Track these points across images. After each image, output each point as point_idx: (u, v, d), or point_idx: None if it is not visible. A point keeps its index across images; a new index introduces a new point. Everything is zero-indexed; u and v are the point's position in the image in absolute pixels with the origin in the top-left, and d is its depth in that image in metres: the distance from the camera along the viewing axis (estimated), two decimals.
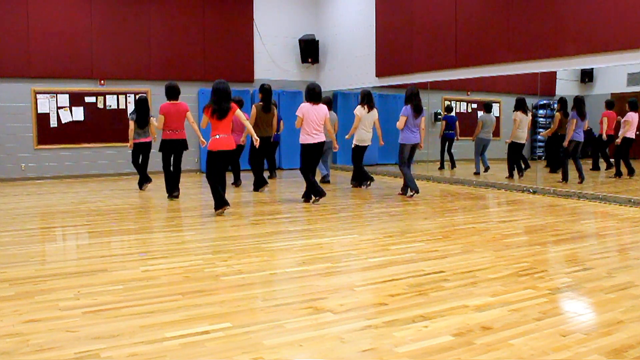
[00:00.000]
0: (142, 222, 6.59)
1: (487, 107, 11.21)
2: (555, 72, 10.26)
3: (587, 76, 11.59)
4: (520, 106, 10.10)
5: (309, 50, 13.45)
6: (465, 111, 12.69)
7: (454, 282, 3.97)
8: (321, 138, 7.55)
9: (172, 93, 7.85)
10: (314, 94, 7.47)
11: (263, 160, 9.32)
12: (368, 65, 12.18)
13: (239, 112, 6.90)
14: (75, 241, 5.74)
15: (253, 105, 8.83)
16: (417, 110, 8.00)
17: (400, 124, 8.00)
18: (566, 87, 11.84)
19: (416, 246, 5.14)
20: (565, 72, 10.43)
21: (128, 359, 2.68)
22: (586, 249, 5.06)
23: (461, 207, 7.45)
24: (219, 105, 6.63)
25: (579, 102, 9.20)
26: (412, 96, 8.02)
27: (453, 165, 12.35)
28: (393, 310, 3.36)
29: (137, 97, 9.21)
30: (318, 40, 13.57)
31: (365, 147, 9.27)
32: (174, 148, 7.96)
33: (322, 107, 7.56)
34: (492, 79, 9.84)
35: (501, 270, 4.27)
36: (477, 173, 11.08)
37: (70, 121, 11.35)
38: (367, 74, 12.25)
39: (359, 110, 8.97)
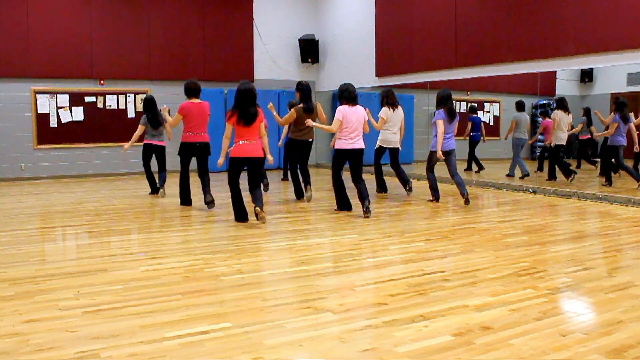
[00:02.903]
0: (142, 222, 6.59)
1: (519, 105, 10.48)
2: (555, 72, 10.26)
3: (587, 76, 11.58)
4: (561, 105, 9.51)
5: (309, 50, 13.45)
6: (465, 111, 12.68)
7: (454, 282, 3.97)
8: (360, 144, 6.77)
9: (193, 91, 7.19)
10: (350, 96, 6.72)
11: (305, 166, 8.00)
12: (368, 65, 12.18)
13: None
14: (75, 241, 5.73)
15: (292, 108, 7.73)
16: (452, 115, 7.46)
17: (440, 129, 7.33)
18: (566, 87, 11.84)
19: (416, 246, 5.13)
20: (565, 72, 10.42)
21: (128, 358, 2.68)
22: (586, 249, 5.06)
23: (461, 207, 7.45)
24: (246, 111, 5.91)
25: None
26: (445, 99, 7.44)
27: (480, 167, 11.62)
28: (393, 310, 3.36)
29: (144, 97, 8.30)
30: (318, 40, 13.57)
31: (389, 149, 8.43)
32: (194, 152, 7.18)
33: (360, 109, 6.82)
34: (492, 79, 9.83)
35: (501, 270, 4.27)
36: (526, 175, 10.13)
37: (70, 121, 11.36)
38: (367, 74, 12.25)
39: (385, 113, 8.22)
